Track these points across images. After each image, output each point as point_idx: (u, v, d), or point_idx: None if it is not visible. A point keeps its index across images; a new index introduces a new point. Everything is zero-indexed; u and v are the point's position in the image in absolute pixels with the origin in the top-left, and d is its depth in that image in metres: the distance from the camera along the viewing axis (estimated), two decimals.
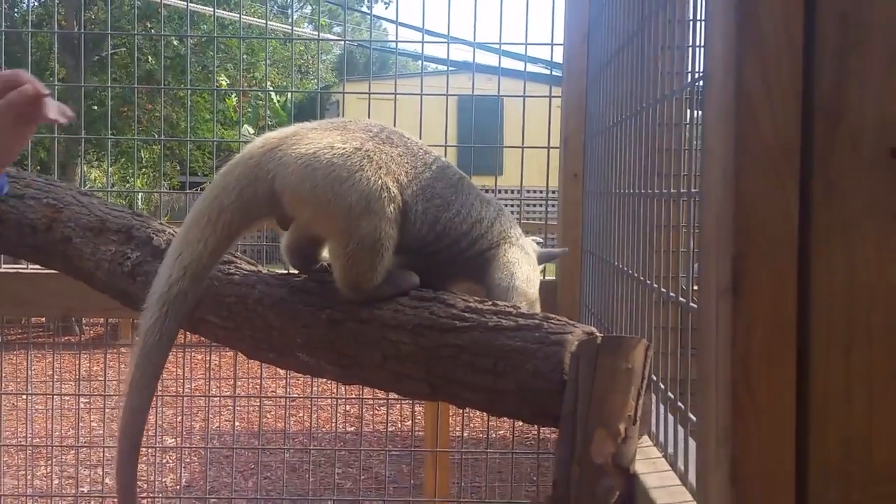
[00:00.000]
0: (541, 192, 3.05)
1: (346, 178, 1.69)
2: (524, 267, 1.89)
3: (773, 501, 0.93)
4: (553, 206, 3.04)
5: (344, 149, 1.72)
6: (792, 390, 0.93)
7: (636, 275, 1.78)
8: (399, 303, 1.76)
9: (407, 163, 1.79)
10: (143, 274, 2.04)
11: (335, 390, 3.69)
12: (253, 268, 2.00)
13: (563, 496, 1.42)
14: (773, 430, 0.93)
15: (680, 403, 1.41)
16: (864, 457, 0.92)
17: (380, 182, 1.71)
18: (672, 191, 1.49)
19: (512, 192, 3.65)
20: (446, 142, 2.99)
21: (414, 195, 1.77)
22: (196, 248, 1.76)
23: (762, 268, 0.92)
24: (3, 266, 2.95)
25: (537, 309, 1.89)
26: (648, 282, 1.65)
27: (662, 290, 1.54)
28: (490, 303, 1.72)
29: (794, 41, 0.89)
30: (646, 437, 1.61)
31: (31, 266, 2.82)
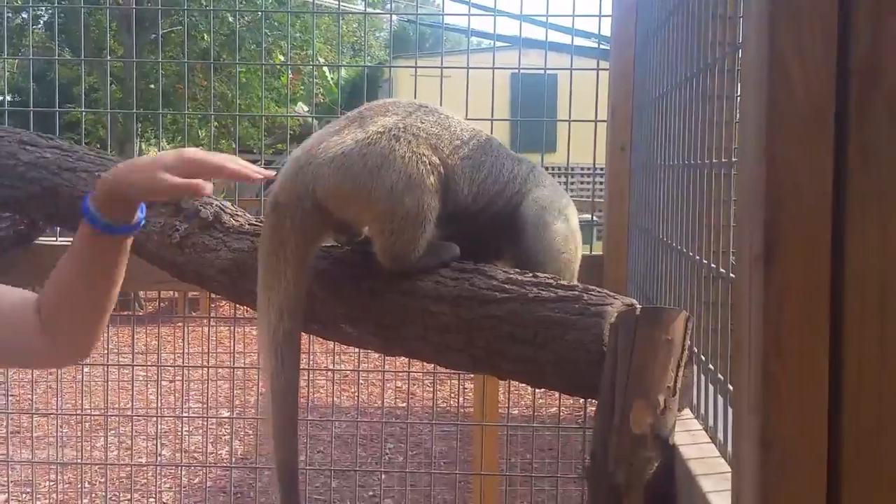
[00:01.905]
0: (589, 167, 3.04)
1: (381, 163, 1.71)
2: (553, 198, 1.89)
3: (804, 469, 0.92)
4: (601, 181, 3.02)
5: (369, 137, 1.74)
6: (825, 358, 0.92)
7: (680, 248, 1.77)
8: (440, 274, 1.77)
9: (440, 132, 1.79)
10: (190, 245, 2.08)
11: (381, 364, 3.72)
12: None
13: (601, 467, 1.42)
14: (805, 398, 0.92)
15: (720, 375, 1.40)
16: None
17: (415, 155, 1.72)
18: (715, 161, 1.47)
19: (561, 168, 3.63)
20: (493, 116, 2.98)
21: (452, 160, 1.78)
22: (279, 286, 1.76)
23: (795, 235, 0.91)
24: (60, 240, 3.01)
25: (574, 243, 1.89)
26: (692, 254, 1.64)
27: (704, 261, 1.52)
28: (530, 274, 1.73)
29: (828, 3, 0.87)
30: (687, 410, 1.61)
31: None
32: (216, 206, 2.13)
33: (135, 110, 3.53)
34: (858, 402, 0.93)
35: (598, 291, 1.64)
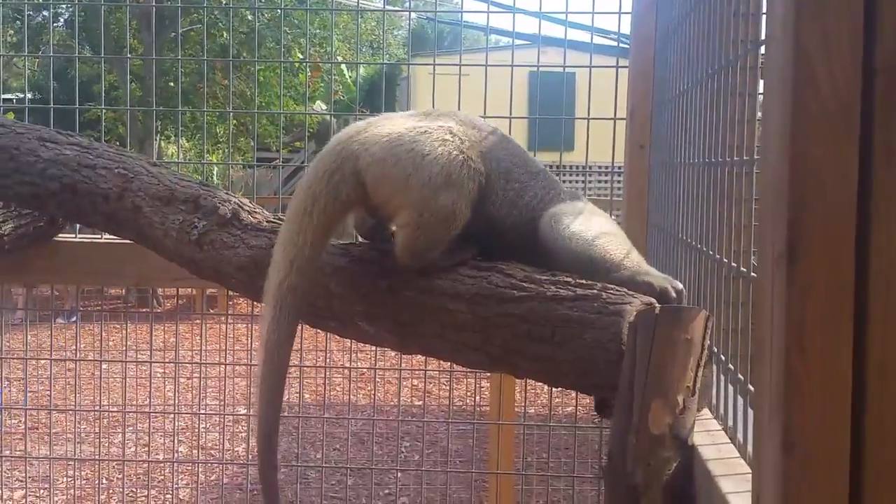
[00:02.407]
0: (608, 166, 3.02)
1: (429, 152, 1.71)
2: (567, 208, 1.83)
3: (826, 470, 0.91)
4: (618, 180, 3.01)
5: (428, 126, 1.73)
6: (848, 357, 0.90)
7: (700, 246, 1.76)
8: (458, 272, 1.77)
9: (493, 145, 1.78)
10: (209, 243, 2.08)
11: (398, 362, 3.72)
12: None
13: (619, 467, 1.41)
14: (828, 398, 0.91)
15: (740, 375, 1.39)
16: None
17: (461, 157, 1.72)
18: (736, 159, 1.46)
19: (579, 167, 3.61)
20: (511, 114, 2.97)
21: (498, 176, 1.77)
22: (297, 240, 1.77)
23: (818, 233, 0.90)
24: (79, 236, 3.03)
25: (596, 222, 1.80)
26: (712, 253, 1.63)
27: (725, 260, 1.51)
28: (549, 273, 1.72)
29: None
30: (706, 411, 1.59)
31: (105, 237, 2.90)
32: (234, 203, 2.13)
33: (154, 107, 3.53)
34: (881, 403, 0.92)
35: (617, 290, 1.63)
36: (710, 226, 1.67)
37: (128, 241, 2.50)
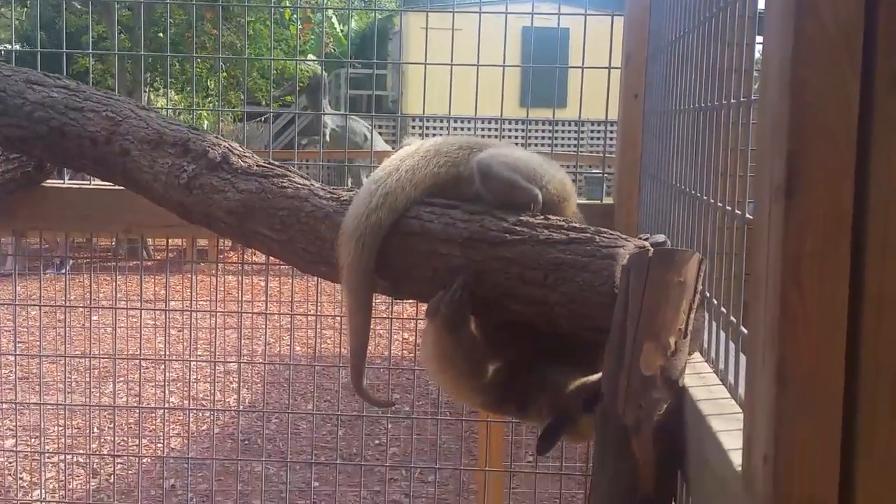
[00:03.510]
0: (601, 122, 2.99)
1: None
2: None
3: (820, 403, 0.91)
4: (612, 134, 2.98)
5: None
6: (845, 291, 0.90)
7: (694, 192, 1.74)
8: (450, 216, 1.75)
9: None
10: (198, 187, 2.06)
11: (389, 311, 3.71)
12: (305, 181, 2.00)
13: (610, 408, 1.41)
14: (824, 331, 0.90)
15: (732, 318, 1.39)
16: None
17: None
18: (733, 101, 1.44)
19: (572, 122, 3.58)
20: (504, 62, 2.94)
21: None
22: (403, 177, 1.80)
23: (818, 164, 0.89)
24: (68, 183, 3.00)
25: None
26: (706, 198, 1.61)
27: (719, 204, 1.50)
28: (542, 217, 1.70)
29: None
30: (697, 355, 1.59)
31: (94, 183, 2.87)
32: (224, 146, 2.11)
33: (142, 52, 3.48)
34: (877, 339, 0.91)
35: (610, 234, 1.62)
36: (704, 172, 1.65)
37: (117, 187, 2.48)
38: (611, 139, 3.04)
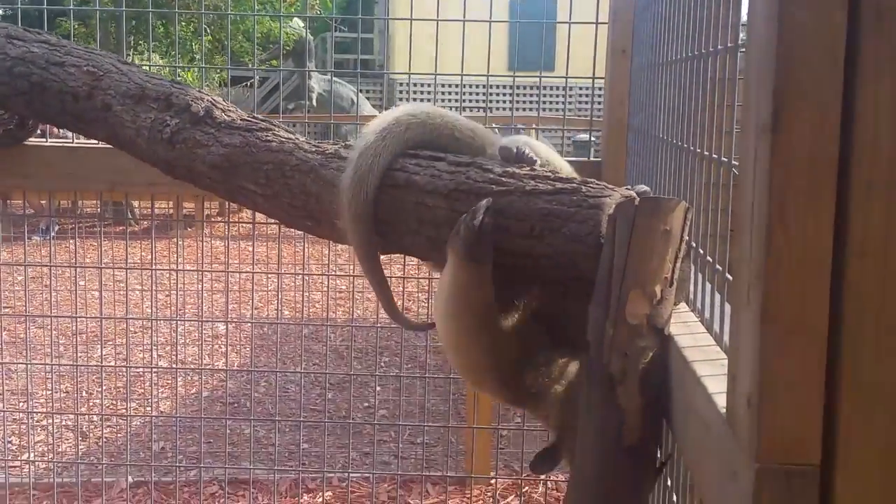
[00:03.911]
0: (589, 79, 2.96)
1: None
2: None
3: (803, 341, 0.91)
4: (599, 96, 2.95)
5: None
6: (829, 229, 0.89)
7: (681, 143, 1.73)
8: (436, 168, 1.74)
9: None
10: (181, 141, 2.04)
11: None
12: (290, 135, 1.99)
13: (597, 357, 1.41)
14: (809, 269, 0.90)
15: (718, 266, 1.38)
16: None
17: None
18: (720, 47, 1.43)
19: (559, 88, 3.56)
20: (491, 16, 2.91)
21: None
22: (434, 111, 1.86)
23: (804, 102, 0.88)
24: (50, 141, 2.97)
25: None
26: (692, 148, 1.60)
27: (706, 153, 1.49)
28: (528, 168, 1.69)
29: None
30: (683, 305, 1.59)
31: (77, 140, 2.84)
32: (208, 101, 2.08)
33: (124, 7, 3.43)
34: (861, 280, 0.91)
35: (597, 184, 1.61)
36: (691, 121, 1.64)
37: (100, 145, 2.45)
38: (598, 100, 3.02)
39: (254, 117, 2.06)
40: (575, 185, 1.61)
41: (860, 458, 0.92)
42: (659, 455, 1.45)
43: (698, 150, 1.55)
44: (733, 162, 1.30)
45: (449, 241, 1.63)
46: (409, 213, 1.74)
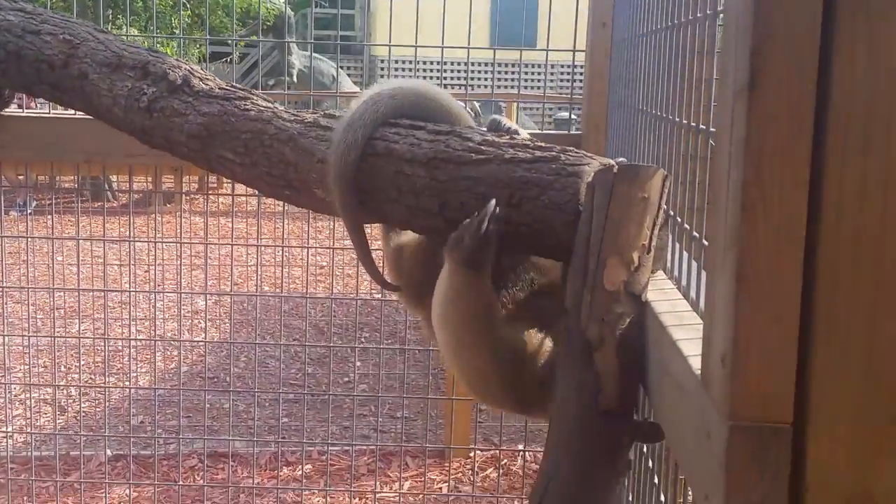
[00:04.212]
0: (568, 65, 2.96)
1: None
2: None
3: (778, 301, 0.91)
4: (580, 75, 2.95)
5: None
6: (805, 190, 0.90)
7: (659, 113, 1.74)
8: (415, 137, 1.74)
9: None
10: (158, 110, 2.02)
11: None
12: (269, 104, 1.98)
13: (575, 323, 1.42)
14: (784, 230, 0.90)
15: (695, 233, 1.39)
16: (875, 257, 0.90)
17: None
18: (699, 15, 1.43)
19: (540, 65, 3.56)
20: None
21: None
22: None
23: (781, 62, 0.88)
24: (27, 111, 2.94)
25: None
26: (670, 117, 1.61)
27: (684, 121, 1.50)
28: (507, 136, 1.69)
29: None
30: (661, 273, 1.60)
31: (54, 111, 2.82)
32: (185, 69, 2.07)
33: None
34: (837, 241, 0.91)
35: (576, 152, 1.62)
36: (670, 92, 1.65)
37: (77, 116, 2.43)
38: (579, 75, 3.02)
39: (232, 86, 2.05)
40: (554, 153, 1.61)
41: (833, 416, 0.93)
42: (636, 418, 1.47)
43: (676, 119, 1.56)
44: (711, 129, 1.31)
45: (448, 247, 1.60)
46: (389, 182, 1.74)
